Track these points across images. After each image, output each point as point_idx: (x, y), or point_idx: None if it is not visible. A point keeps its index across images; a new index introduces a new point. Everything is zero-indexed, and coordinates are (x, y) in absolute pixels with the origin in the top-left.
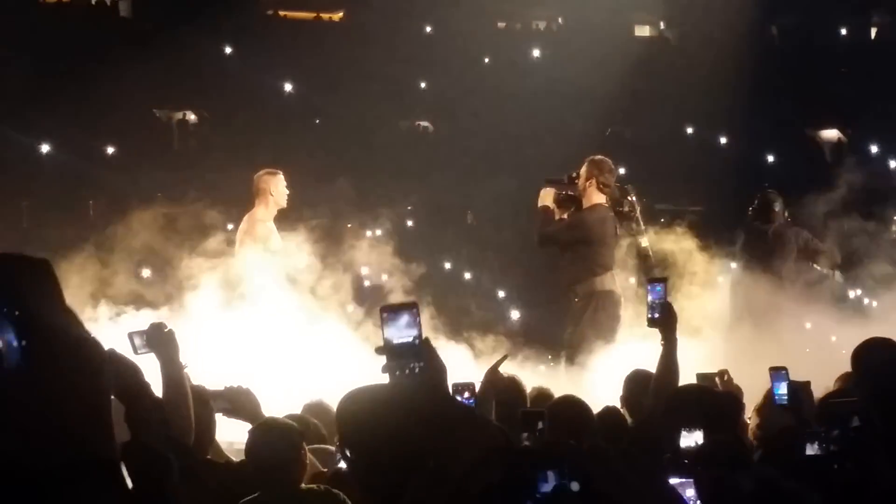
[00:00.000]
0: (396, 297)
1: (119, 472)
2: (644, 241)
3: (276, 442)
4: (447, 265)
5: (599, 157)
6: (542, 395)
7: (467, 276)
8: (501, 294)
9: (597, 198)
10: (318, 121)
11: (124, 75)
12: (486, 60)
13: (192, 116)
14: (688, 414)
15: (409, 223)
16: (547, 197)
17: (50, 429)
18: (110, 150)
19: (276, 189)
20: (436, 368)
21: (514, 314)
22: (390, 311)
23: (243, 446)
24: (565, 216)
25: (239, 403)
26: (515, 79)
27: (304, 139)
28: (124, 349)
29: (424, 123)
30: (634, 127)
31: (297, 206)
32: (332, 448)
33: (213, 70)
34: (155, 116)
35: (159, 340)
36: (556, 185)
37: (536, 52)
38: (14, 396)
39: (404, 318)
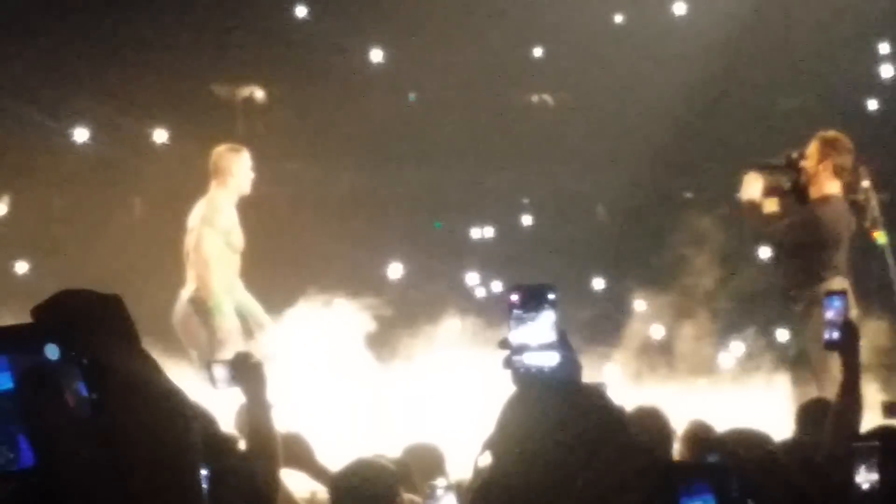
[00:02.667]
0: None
1: None
2: (881, 239)
3: (367, 486)
4: (572, 270)
5: (832, 133)
6: (699, 431)
7: (598, 284)
8: (639, 306)
9: (830, 186)
10: (411, 96)
11: (175, 44)
12: (619, 19)
13: (258, 93)
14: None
15: (526, 220)
16: (754, 185)
17: (127, 499)
18: (159, 135)
19: (239, 169)
20: (574, 362)
21: (656, 330)
22: (522, 294)
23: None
24: (774, 207)
25: (291, 452)
26: (656, 40)
27: (394, 119)
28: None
29: (544, 97)
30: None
31: (388, 200)
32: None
33: (283, 37)
34: (213, 94)
35: (247, 374)
36: (768, 171)
37: (681, 8)
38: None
39: (540, 303)
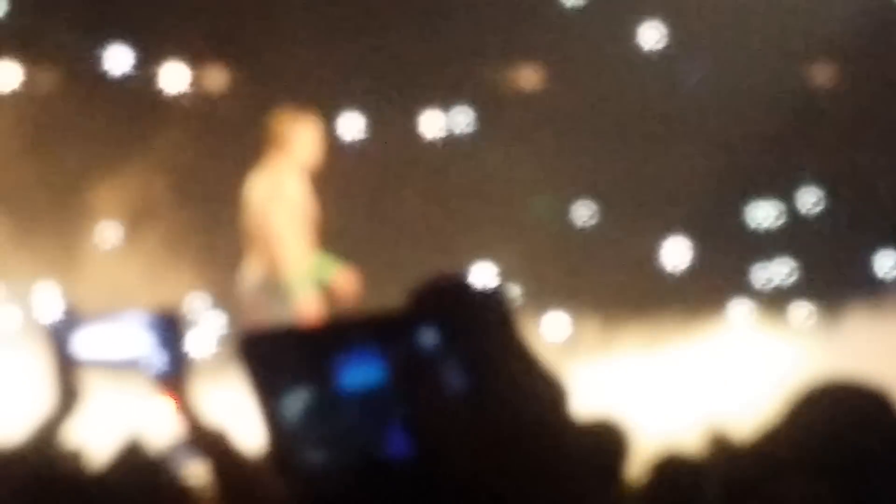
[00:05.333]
0: None
1: None
2: None
3: None
4: None
5: None
6: None
7: None
8: None
9: None
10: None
11: (439, 23)
12: None
13: (531, 76)
14: None
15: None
16: None
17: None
18: (428, 127)
19: (301, 138)
20: None
21: None
22: None
23: None
24: None
25: None
26: None
27: (670, 105)
28: None
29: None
30: None
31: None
32: None
33: (556, 14)
34: (485, 77)
35: None
36: None
37: None
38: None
39: None
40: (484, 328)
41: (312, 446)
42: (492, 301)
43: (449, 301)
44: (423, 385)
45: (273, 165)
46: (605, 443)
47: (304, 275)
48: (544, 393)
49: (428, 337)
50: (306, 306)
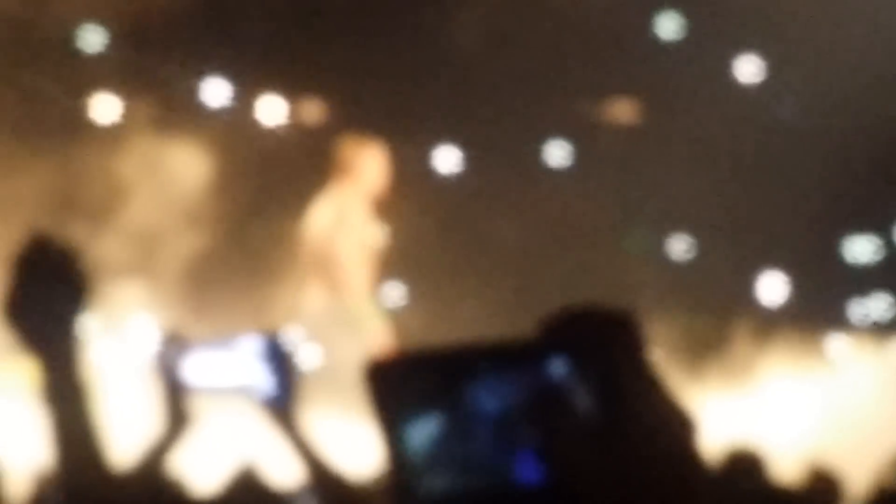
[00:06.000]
0: None
1: None
2: None
3: None
4: None
5: None
6: None
7: None
8: None
9: None
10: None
11: (536, 58)
12: None
13: (626, 111)
14: None
15: None
16: None
17: None
18: (524, 161)
19: (366, 165)
20: None
21: None
22: None
23: None
24: None
25: None
26: None
27: (768, 139)
28: None
29: None
30: None
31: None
32: None
33: (652, 47)
34: (581, 111)
35: None
36: None
37: None
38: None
39: None
40: (615, 358)
41: (440, 473)
42: (623, 331)
43: (580, 330)
44: (554, 413)
45: (338, 193)
46: (736, 473)
47: (368, 304)
48: (675, 424)
49: (559, 365)
50: (373, 335)
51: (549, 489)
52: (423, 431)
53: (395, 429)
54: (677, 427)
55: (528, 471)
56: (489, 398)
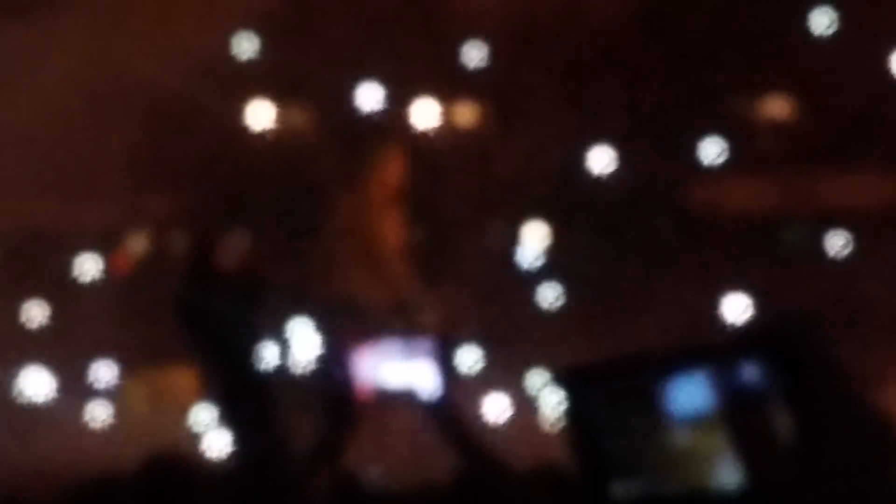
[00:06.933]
0: None
1: None
2: None
3: None
4: None
5: None
6: None
7: None
8: None
9: None
10: None
11: (690, 56)
12: None
13: (781, 108)
14: None
15: None
16: None
17: None
18: (678, 159)
19: (391, 163)
20: None
21: None
22: None
23: None
24: None
25: None
26: None
27: None
28: None
29: None
30: None
31: None
32: None
33: (806, 43)
34: (731, 110)
35: None
36: None
37: None
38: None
39: None
40: (809, 368)
41: (634, 477)
42: (815, 342)
43: (775, 338)
44: (753, 418)
45: (372, 191)
46: None
47: (414, 297)
48: (873, 428)
49: (753, 369)
50: (423, 323)
51: (747, 494)
52: (621, 435)
53: (590, 432)
54: (876, 431)
55: (727, 475)
56: (684, 402)
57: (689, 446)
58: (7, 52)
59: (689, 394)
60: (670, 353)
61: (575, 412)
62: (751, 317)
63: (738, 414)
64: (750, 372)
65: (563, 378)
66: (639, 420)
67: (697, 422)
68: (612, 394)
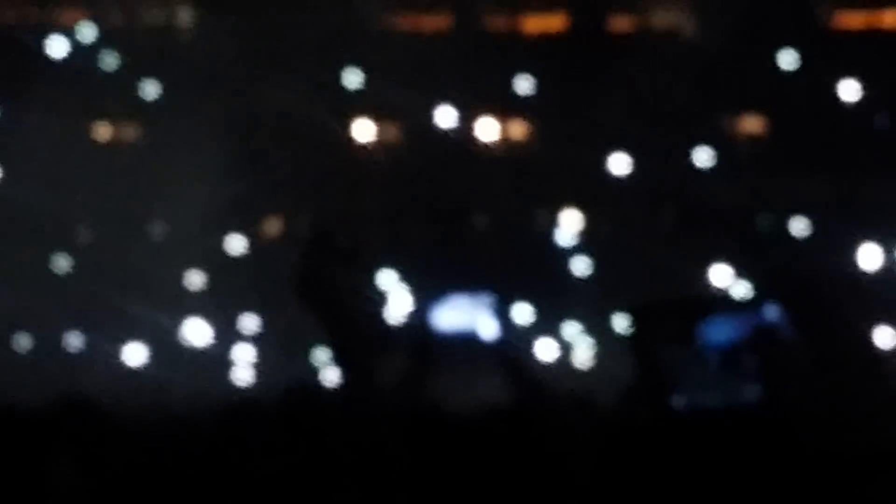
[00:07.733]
0: None
1: None
2: None
3: None
4: None
5: None
6: None
7: None
8: None
9: None
10: None
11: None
12: None
13: (755, 125)
14: None
15: None
16: None
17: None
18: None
19: None
20: None
21: None
22: None
23: None
24: None
25: None
26: None
27: None
28: None
29: None
30: None
31: None
32: None
33: (772, 73)
34: (718, 126)
35: None
36: None
37: None
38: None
39: None
40: (826, 313)
41: (682, 393)
42: (818, 285)
43: (795, 284)
44: (771, 347)
45: None
46: None
47: None
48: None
49: (772, 309)
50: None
51: (767, 407)
52: (670, 359)
53: (651, 356)
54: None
55: (751, 392)
56: (719, 335)
57: (722, 369)
58: None
59: (722, 327)
60: (706, 296)
61: (640, 338)
62: (765, 275)
63: (759, 343)
64: (770, 311)
65: (632, 311)
66: (685, 348)
67: (729, 350)
68: (667, 325)
